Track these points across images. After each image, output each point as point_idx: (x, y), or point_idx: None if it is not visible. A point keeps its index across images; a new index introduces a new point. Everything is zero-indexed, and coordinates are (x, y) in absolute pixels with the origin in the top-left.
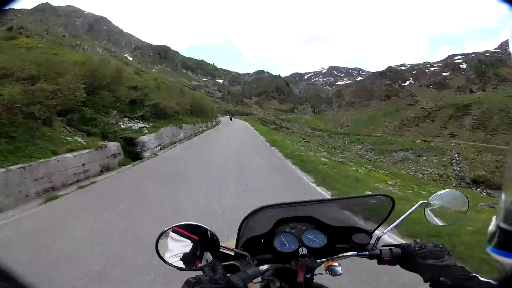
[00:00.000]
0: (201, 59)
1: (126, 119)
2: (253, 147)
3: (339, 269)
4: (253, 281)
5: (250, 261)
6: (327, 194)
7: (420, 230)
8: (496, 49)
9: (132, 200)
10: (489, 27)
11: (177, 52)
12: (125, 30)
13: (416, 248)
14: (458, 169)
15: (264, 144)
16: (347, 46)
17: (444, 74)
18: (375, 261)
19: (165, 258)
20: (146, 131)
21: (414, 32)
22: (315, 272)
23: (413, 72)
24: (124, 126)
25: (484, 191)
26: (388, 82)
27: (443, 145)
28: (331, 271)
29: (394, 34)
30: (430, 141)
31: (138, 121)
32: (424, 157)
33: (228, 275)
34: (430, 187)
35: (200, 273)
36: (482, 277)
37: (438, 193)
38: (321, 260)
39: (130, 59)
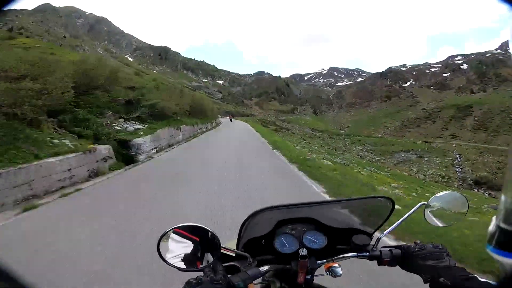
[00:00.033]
0: (201, 60)
1: (121, 120)
2: (253, 148)
3: (339, 270)
4: (254, 282)
5: (251, 262)
6: None
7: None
8: (496, 49)
9: (118, 211)
10: (490, 27)
11: (177, 53)
12: (126, 31)
13: (416, 249)
14: (460, 170)
15: (266, 146)
16: (348, 46)
17: (444, 74)
18: (375, 262)
19: (166, 259)
20: (142, 132)
21: (414, 32)
22: (316, 273)
23: (414, 72)
24: (119, 128)
25: (486, 192)
26: (388, 83)
27: (445, 146)
28: (331, 272)
29: (394, 35)
30: (431, 142)
31: (134, 122)
32: (426, 158)
33: (228, 276)
34: (433, 188)
35: (201, 274)
36: (481, 278)
37: (438, 194)
38: (322, 261)
39: (131, 60)
